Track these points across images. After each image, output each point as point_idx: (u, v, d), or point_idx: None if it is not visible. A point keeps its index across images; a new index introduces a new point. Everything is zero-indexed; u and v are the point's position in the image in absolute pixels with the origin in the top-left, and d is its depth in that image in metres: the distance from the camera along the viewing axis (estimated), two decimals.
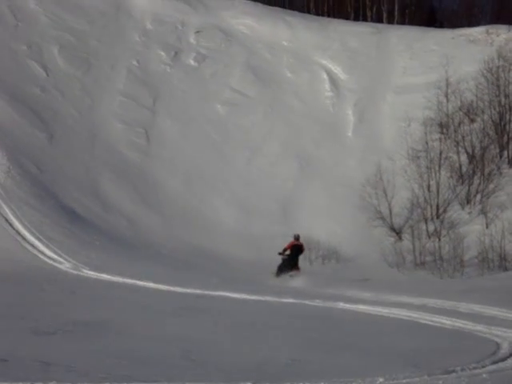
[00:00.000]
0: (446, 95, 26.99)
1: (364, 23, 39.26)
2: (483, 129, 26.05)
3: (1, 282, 15.54)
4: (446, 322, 11.90)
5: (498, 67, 26.72)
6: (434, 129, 26.44)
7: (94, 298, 14.00)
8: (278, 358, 8.40)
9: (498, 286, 16.81)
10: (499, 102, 26.39)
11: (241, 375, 7.26)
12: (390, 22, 42.93)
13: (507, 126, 25.98)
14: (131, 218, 24.73)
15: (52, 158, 26.19)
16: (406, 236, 22.99)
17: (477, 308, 13.25)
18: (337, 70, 32.57)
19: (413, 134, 26.29)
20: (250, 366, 7.94)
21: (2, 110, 27.23)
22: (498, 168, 25.04)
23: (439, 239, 21.91)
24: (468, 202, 24.20)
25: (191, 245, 23.61)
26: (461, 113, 26.96)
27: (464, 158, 25.63)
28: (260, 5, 37.90)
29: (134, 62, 32.37)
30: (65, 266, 18.88)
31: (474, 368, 7.95)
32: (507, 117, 26.07)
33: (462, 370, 7.80)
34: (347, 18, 41.41)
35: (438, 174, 24.45)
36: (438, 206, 24.06)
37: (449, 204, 24.09)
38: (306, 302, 14.27)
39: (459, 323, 11.71)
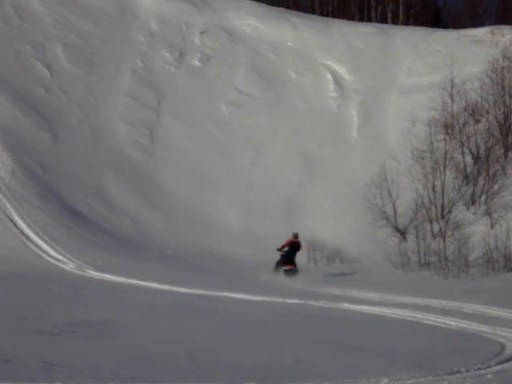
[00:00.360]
0: (451, 96, 26.91)
1: (369, 24, 39.21)
2: (488, 129, 25.96)
3: (5, 282, 15.57)
4: (451, 322, 11.88)
5: (503, 68, 26.64)
6: (438, 129, 26.37)
7: (98, 298, 14.01)
8: (283, 359, 8.39)
9: (502, 286, 16.78)
10: (504, 102, 26.30)
11: (245, 376, 7.25)
12: (395, 22, 42.87)
13: None
14: (135, 218, 24.75)
15: (56, 158, 26.23)
16: (411, 236, 22.92)
17: (481, 308, 13.23)
18: (341, 70, 32.53)
19: (417, 134, 26.23)
20: (254, 367, 7.93)
21: (6, 110, 27.30)
22: (503, 168, 24.96)
23: (444, 240, 21.83)
24: (473, 202, 24.12)
25: (195, 245, 23.61)
26: (465, 113, 26.88)
27: (469, 158, 25.56)
28: (264, 5, 37.88)
29: (139, 63, 32.40)
30: (69, 266, 18.91)
31: (479, 369, 7.93)
32: None
33: (467, 370, 7.78)
34: (352, 19, 41.36)
35: (442, 175, 24.36)
36: (442, 206, 23.99)
37: (454, 204, 24.01)
38: (311, 302, 14.27)
39: (464, 324, 11.69)
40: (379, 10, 44.79)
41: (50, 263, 19.14)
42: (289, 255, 20.32)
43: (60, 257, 19.61)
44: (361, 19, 42.87)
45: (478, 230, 21.87)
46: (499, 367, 8.10)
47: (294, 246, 20.49)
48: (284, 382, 7.14)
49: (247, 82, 32.20)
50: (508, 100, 26.26)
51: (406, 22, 42.58)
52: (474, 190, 24.31)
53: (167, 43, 33.63)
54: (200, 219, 25.45)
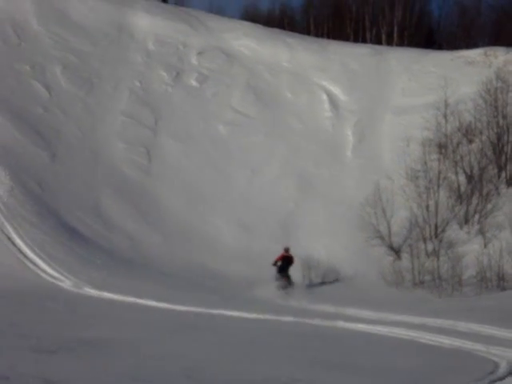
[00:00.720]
0: (445, 116, 27.21)
1: (363, 45, 39.67)
2: (481, 149, 26.25)
3: (2, 300, 15.63)
4: (445, 341, 11.99)
5: (496, 88, 26.97)
6: (432, 149, 26.63)
7: (96, 316, 14.07)
8: (279, 377, 8.48)
9: (496, 305, 16.89)
10: (497, 123, 26.60)
11: None
12: (389, 43, 43.38)
13: (505, 147, 26.19)
14: (132, 236, 24.84)
15: (54, 176, 26.36)
16: (405, 255, 23.09)
17: (475, 327, 13.33)
18: (336, 90, 32.87)
19: (412, 154, 26.49)
20: None
21: (5, 129, 27.46)
22: (496, 188, 25.21)
23: (438, 258, 22.00)
24: (466, 221, 24.33)
25: (192, 263, 23.70)
26: (459, 133, 27.17)
27: (462, 178, 25.80)
28: (260, 26, 38.33)
29: (136, 83, 32.68)
30: (66, 284, 18.96)
31: None
32: (505, 138, 26.27)
33: None
34: (347, 40, 41.82)
35: (436, 194, 24.58)
36: (436, 225, 24.18)
37: (447, 224, 24.21)
38: (306, 320, 14.35)
39: (458, 342, 11.81)
40: (374, 31, 45.34)
41: (47, 281, 19.18)
42: (282, 269, 21.16)
43: (57, 275, 19.66)
44: (356, 40, 43.38)
45: (471, 249, 22.06)
46: None
47: (286, 260, 21.35)
48: None
49: (244, 101, 32.49)
50: (501, 120, 26.58)
51: (401, 43, 43.07)
52: (467, 210, 24.53)
53: (164, 63, 33.95)
54: (197, 237, 25.56)
